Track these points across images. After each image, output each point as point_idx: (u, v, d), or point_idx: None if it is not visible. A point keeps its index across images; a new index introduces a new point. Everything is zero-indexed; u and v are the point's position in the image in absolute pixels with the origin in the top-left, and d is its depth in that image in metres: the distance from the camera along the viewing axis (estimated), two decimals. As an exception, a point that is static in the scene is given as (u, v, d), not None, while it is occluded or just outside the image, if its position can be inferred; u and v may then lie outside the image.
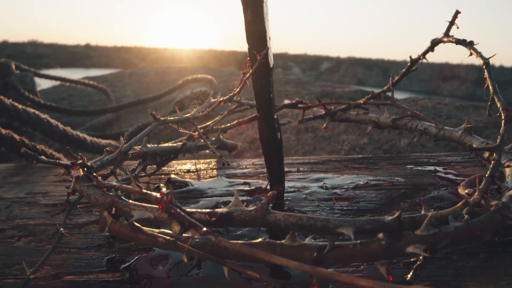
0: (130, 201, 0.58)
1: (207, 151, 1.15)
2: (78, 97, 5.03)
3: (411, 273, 0.57)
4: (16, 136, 1.32)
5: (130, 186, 0.58)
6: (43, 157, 0.63)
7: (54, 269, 0.72)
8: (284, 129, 2.59)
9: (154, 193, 0.55)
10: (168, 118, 0.89)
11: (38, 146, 1.38)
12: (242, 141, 2.54)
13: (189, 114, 0.96)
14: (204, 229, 0.47)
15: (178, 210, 0.51)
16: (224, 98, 0.91)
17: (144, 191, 0.55)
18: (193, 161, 1.20)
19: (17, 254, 0.77)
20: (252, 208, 0.52)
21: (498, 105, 0.77)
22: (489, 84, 0.82)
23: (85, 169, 0.65)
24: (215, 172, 1.12)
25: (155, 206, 0.55)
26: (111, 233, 0.67)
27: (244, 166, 1.14)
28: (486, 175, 0.65)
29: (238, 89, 0.83)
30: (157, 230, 0.62)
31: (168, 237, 0.56)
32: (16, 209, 0.96)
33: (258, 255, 0.41)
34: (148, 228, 0.63)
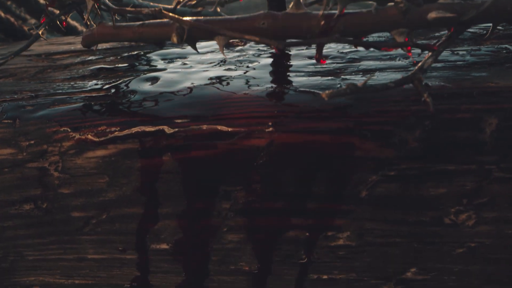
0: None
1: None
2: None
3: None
4: (1, 13, 1.22)
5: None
6: None
7: (32, 92, 0.65)
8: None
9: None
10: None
11: (26, 28, 1.28)
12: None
13: (181, -43, 0.86)
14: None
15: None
16: None
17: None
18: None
19: (-6, 85, 0.69)
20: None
21: None
22: None
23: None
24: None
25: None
26: (94, 39, 0.59)
27: None
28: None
29: None
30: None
31: (153, 8, 0.48)
32: (-4, 61, 0.88)
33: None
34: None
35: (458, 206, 0.53)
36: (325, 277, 0.59)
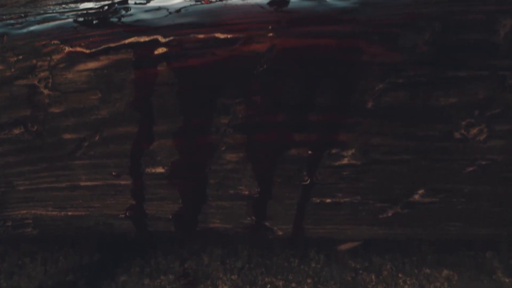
0: None
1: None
2: None
3: None
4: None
5: None
6: None
7: (21, 13, 0.62)
8: None
9: None
10: None
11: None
12: None
13: None
14: None
15: None
16: None
17: None
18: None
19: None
20: None
21: None
22: None
23: None
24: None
25: None
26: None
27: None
28: None
29: None
30: None
31: None
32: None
33: None
34: None
35: (469, 119, 0.50)
36: (328, 200, 0.57)
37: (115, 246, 0.81)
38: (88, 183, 0.59)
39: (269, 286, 0.72)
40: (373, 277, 0.72)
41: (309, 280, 0.72)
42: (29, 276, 0.81)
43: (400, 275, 0.72)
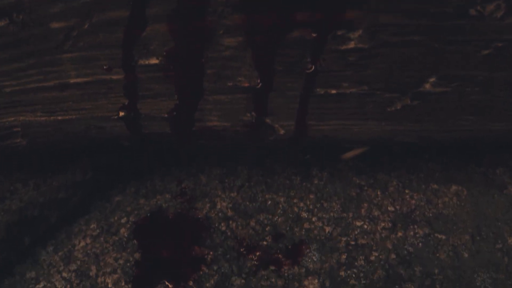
0: None
1: None
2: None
3: None
4: None
5: None
6: None
7: None
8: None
9: None
10: None
11: None
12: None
13: None
14: None
15: None
16: None
17: None
18: None
19: None
20: None
21: None
22: None
23: None
24: None
25: None
26: None
27: None
28: None
29: None
30: None
31: None
32: None
33: None
34: None
35: (486, -8, 0.46)
36: (333, 91, 0.53)
37: (110, 168, 0.78)
38: (78, 80, 0.56)
39: (269, 202, 0.69)
40: (378, 192, 0.68)
41: (311, 196, 0.69)
42: (21, 200, 0.78)
43: (406, 191, 0.68)
